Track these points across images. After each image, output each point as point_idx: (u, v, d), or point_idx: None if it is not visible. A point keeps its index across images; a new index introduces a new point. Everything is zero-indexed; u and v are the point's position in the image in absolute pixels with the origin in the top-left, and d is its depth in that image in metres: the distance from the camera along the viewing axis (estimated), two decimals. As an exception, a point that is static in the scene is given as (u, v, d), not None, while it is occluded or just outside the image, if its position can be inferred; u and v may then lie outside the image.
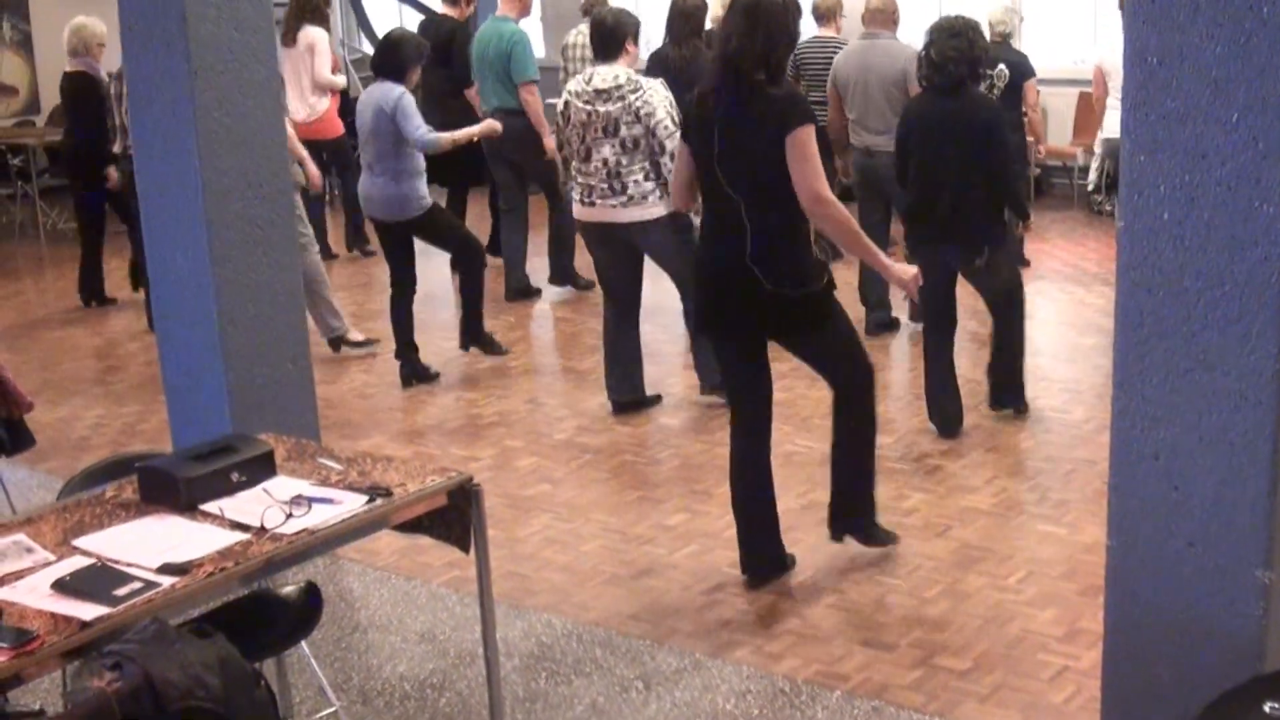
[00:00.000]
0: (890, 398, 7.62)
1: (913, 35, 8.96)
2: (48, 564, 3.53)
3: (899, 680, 4.77)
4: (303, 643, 4.38)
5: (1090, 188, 11.91)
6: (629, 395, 7.64)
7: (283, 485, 3.96)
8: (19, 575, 3.46)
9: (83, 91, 10.39)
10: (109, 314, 10.40)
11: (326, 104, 11.01)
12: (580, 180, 7.25)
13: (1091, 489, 6.22)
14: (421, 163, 8.07)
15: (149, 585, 3.38)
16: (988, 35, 7.43)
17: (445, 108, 10.17)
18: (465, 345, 8.72)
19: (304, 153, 8.70)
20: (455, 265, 8.60)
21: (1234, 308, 3.45)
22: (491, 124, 8.99)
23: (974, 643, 4.99)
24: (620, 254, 7.40)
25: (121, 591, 3.34)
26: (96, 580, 3.41)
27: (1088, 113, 11.85)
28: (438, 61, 9.96)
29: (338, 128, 11.10)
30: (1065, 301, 9.27)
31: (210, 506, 3.83)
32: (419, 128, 7.90)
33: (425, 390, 8.16)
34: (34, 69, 15.63)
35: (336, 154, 11.29)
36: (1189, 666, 3.72)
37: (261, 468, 4.03)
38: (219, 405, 5.77)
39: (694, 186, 5.41)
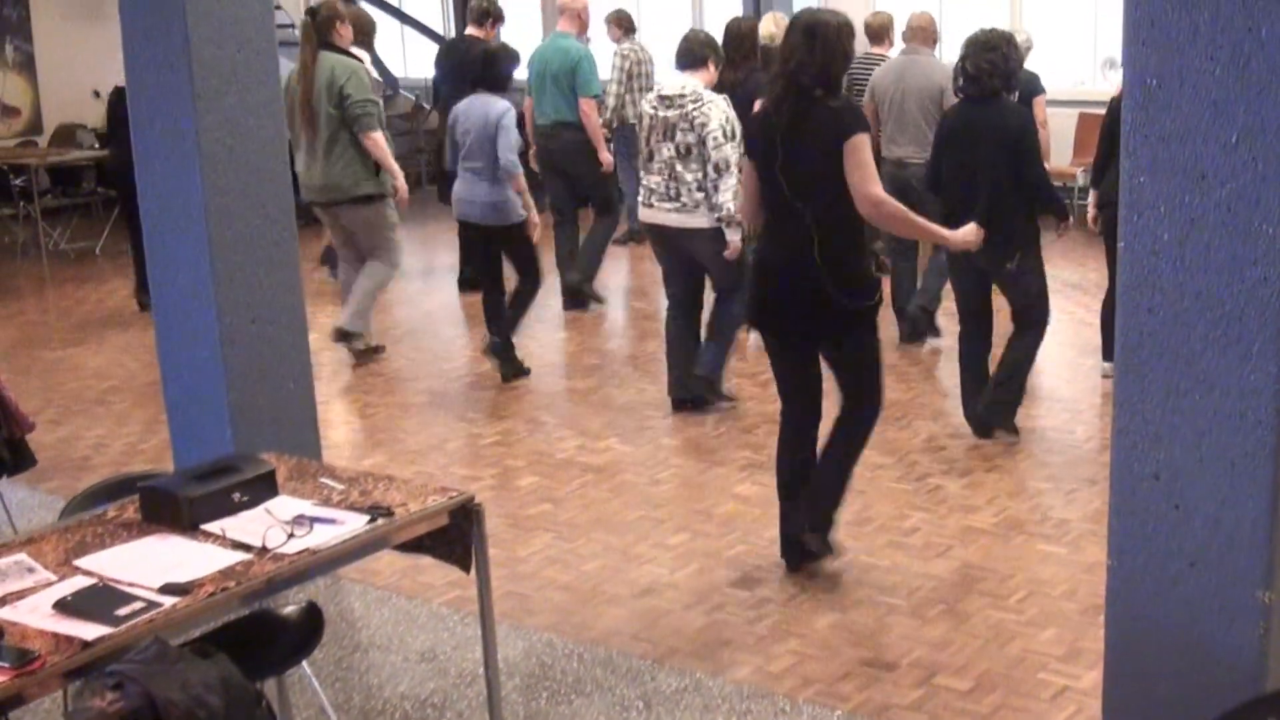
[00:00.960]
0: (890, 419, 7.62)
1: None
2: (49, 584, 3.54)
3: (900, 700, 4.77)
4: (304, 662, 4.38)
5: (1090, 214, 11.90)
6: (686, 393, 7.88)
7: (284, 505, 3.97)
8: (20, 595, 3.47)
9: None
10: (111, 333, 10.40)
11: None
12: (644, 182, 7.61)
13: (1092, 508, 6.23)
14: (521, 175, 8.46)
15: (150, 605, 3.39)
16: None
17: None
18: (499, 362, 8.71)
19: (395, 166, 8.90)
20: (520, 278, 8.83)
21: (1234, 328, 3.46)
22: None
23: (975, 662, 4.99)
24: (676, 256, 7.72)
25: (123, 611, 3.34)
26: (98, 600, 3.41)
27: (1088, 133, 11.87)
28: (475, 82, 9.93)
29: None
30: (1065, 321, 9.27)
31: (212, 526, 3.84)
32: (511, 150, 8.29)
33: (427, 410, 8.17)
34: (36, 90, 15.67)
35: None
36: (1190, 686, 3.72)
37: (263, 487, 4.04)
38: (221, 425, 5.77)
39: (755, 203, 5.66)
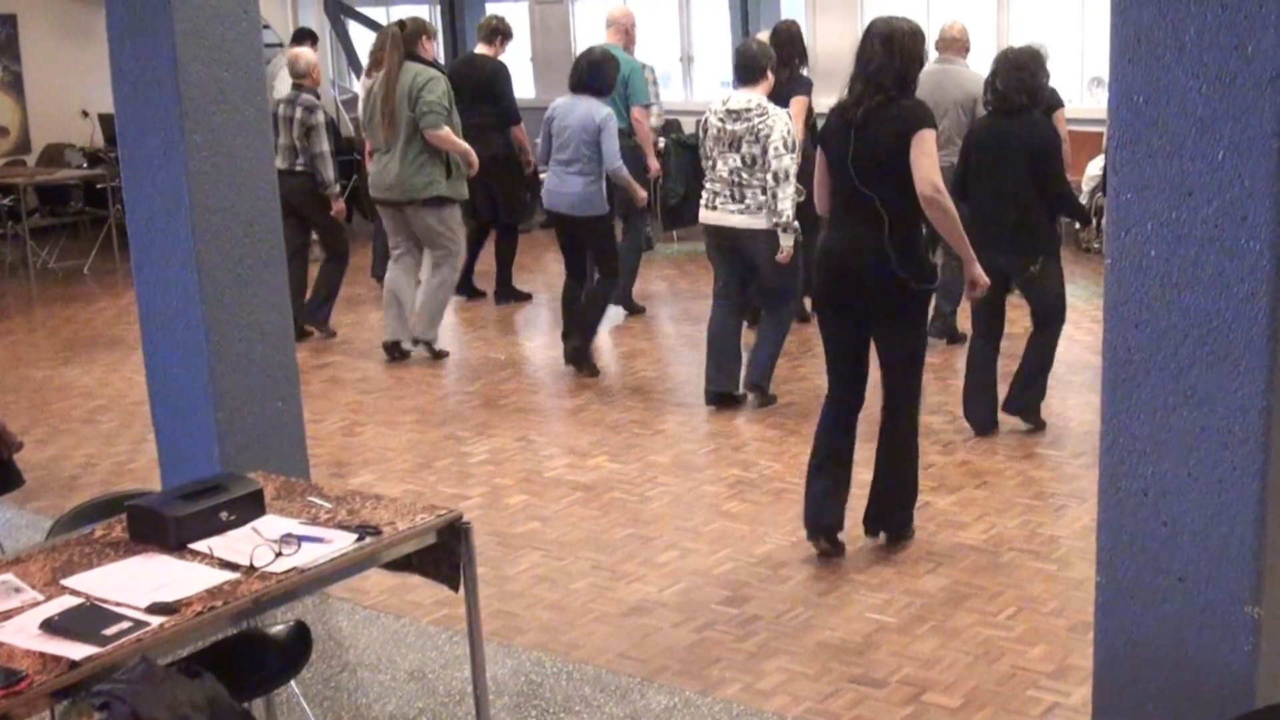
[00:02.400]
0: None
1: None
2: (36, 604, 3.53)
3: (889, 718, 4.76)
4: (292, 682, 4.38)
5: (1077, 225, 11.95)
6: (725, 387, 8.29)
7: (272, 524, 3.96)
8: (7, 615, 3.46)
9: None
10: (99, 353, 10.38)
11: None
12: (707, 186, 8.07)
13: (1081, 525, 6.23)
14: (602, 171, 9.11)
15: (138, 625, 3.38)
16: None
17: (488, 142, 10.50)
18: (572, 360, 9.27)
19: (465, 146, 9.56)
20: (600, 273, 9.42)
21: (1221, 344, 3.46)
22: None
23: (964, 680, 4.99)
24: (731, 257, 8.17)
25: (110, 631, 3.33)
26: (85, 620, 3.40)
27: (1076, 150, 11.90)
28: (481, 98, 10.64)
29: None
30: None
31: (199, 545, 3.83)
32: (617, 153, 9.03)
33: (415, 428, 8.16)
34: (24, 109, 15.66)
35: None
36: (1179, 703, 3.72)
37: (251, 506, 4.03)
38: (208, 444, 5.77)
39: (827, 195, 6.08)
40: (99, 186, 13.92)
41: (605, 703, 4.95)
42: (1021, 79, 7.32)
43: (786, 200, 7.71)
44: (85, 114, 15.20)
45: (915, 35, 5.84)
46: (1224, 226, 3.40)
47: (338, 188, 10.52)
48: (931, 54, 9.81)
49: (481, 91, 10.65)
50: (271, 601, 3.68)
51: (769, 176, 7.72)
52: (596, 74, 9.08)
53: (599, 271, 9.34)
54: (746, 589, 5.79)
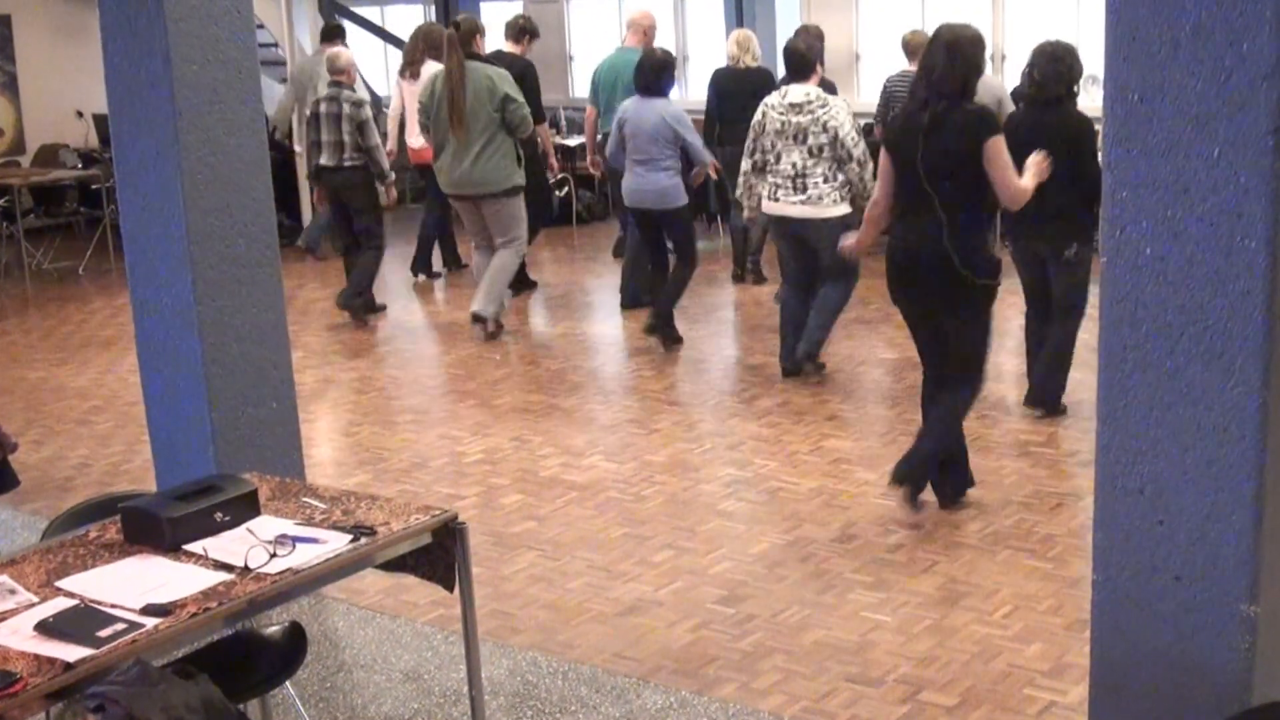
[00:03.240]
0: (875, 434, 7.63)
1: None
2: (31, 605, 3.52)
3: (885, 716, 4.76)
4: (287, 683, 4.37)
5: None
6: (794, 365, 8.67)
7: (267, 525, 3.96)
8: (2, 617, 3.45)
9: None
10: (94, 354, 10.38)
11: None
12: (770, 180, 8.44)
13: (1076, 523, 6.23)
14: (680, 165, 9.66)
15: (132, 626, 3.37)
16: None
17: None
18: (653, 331, 9.74)
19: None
20: (678, 258, 9.87)
21: (1217, 342, 3.46)
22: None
23: (960, 678, 4.99)
24: (796, 244, 8.57)
25: (105, 633, 3.33)
26: (80, 621, 3.40)
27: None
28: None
29: None
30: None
31: (194, 546, 3.83)
32: (702, 147, 9.77)
33: (410, 428, 8.15)
34: (19, 110, 15.65)
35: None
36: (1176, 701, 3.71)
37: (245, 507, 4.03)
38: (203, 445, 5.76)
39: (890, 197, 6.39)
40: (94, 187, 13.91)
41: (601, 703, 4.95)
42: (1059, 70, 7.54)
43: (872, 180, 8.01)
44: (80, 114, 15.19)
45: (977, 44, 6.18)
46: (1220, 224, 3.39)
47: (393, 176, 10.98)
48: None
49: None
50: (266, 602, 3.67)
51: (853, 165, 8.21)
52: (660, 75, 9.60)
53: (679, 258, 9.77)
54: (742, 588, 5.79)
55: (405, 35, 16.65)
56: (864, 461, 7.21)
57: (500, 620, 5.61)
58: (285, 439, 6.01)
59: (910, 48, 11.51)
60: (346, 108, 10.56)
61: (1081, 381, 8.17)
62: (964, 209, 6.12)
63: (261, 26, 13.94)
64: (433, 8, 17.18)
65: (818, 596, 5.69)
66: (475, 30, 10.14)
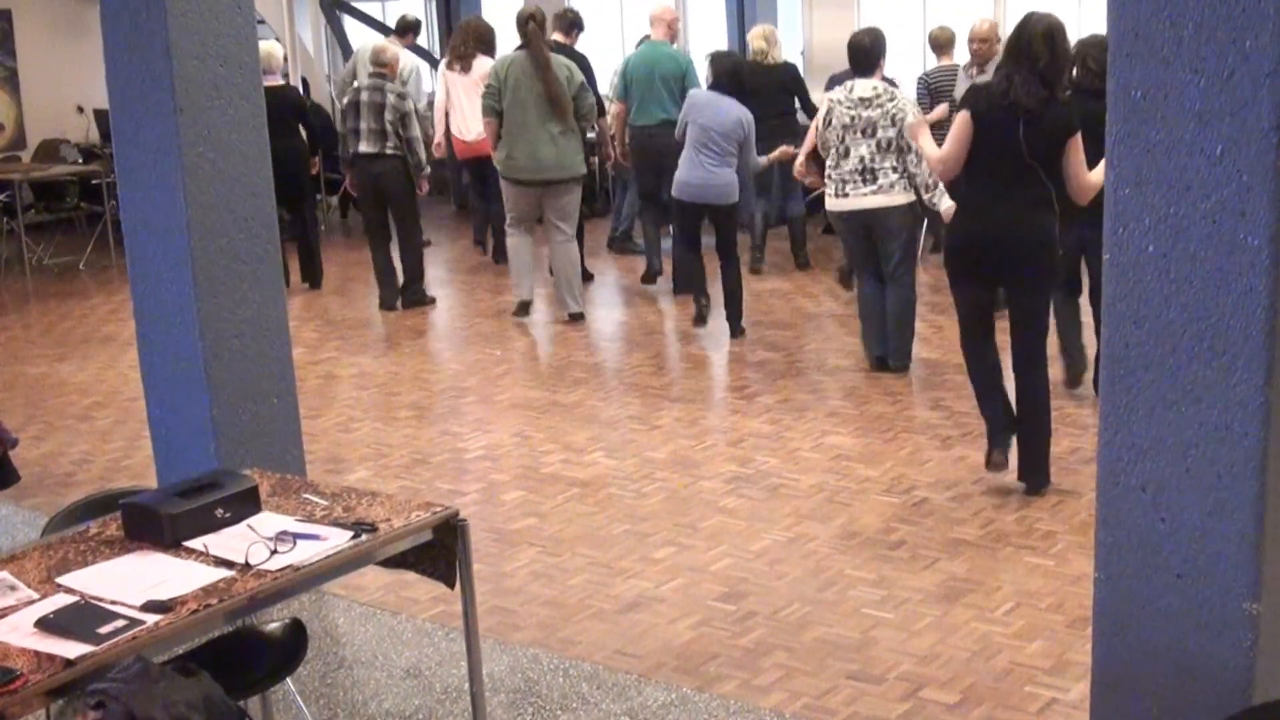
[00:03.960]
0: (877, 433, 7.63)
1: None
2: (31, 602, 3.51)
3: (886, 713, 4.76)
4: (288, 680, 4.37)
5: None
6: (885, 352, 8.85)
7: (267, 521, 3.95)
8: (2, 613, 3.45)
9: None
10: (94, 349, 10.38)
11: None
12: (835, 175, 8.62)
13: (1078, 520, 6.23)
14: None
15: (133, 623, 3.36)
16: None
17: None
18: (735, 332, 9.91)
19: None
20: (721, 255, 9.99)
21: (1220, 340, 3.45)
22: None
23: (961, 675, 4.98)
24: (864, 237, 8.74)
25: (105, 629, 3.32)
26: (80, 618, 3.39)
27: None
28: None
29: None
30: (1051, 333, 9.27)
31: (194, 543, 3.82)
32: (754, 149, 9.92)
33: (411, 424, 8.15)
34: (20, 105, 15.65)
35: (490, 170, 12.01)
36: (1177, 699, 3.71)
37: (246, 503, 4.02)
38: (204, 441, 5.76)
39: (963, 162, 6.53)
40: (94, 182, 13.91)
41: (602, 700, 4.94)
42: (1103, 60, 7.53)
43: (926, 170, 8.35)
44: (80, 110, 15.20)
45: (1065, 32, 6.41)
46: (1222, 222, 3.39)
47: (429, 169, 11.27)
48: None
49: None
50: (267, 599, 3.67)
51: (912, 156, 8.38)
52: (737, 77, 9.85)
53: (721, 255, 9.88)
54: (744, 585, 5.78)
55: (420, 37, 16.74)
56: (865, 458, 7.20)
57: (501, 617, 5.61)
58: (286, 435, 6.01)
59: (938, 43, 11.68)
60: (391, 98, 10.82)
61: (1084, 379, 8.17)
62: (1041, 193, 6.38)
63: (262, 22, 13.94)
64: (433, 3, 17.16)
65: (819, 593, 5.68)
66: (544, 20, 10.46)
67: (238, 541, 3.79)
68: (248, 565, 3.67)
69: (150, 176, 5.66)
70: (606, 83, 12.52)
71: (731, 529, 6.38)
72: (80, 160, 14.66)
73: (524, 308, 10.69)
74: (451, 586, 4.07)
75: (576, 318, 10.50)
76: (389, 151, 10.85)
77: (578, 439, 7.75)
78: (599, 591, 5.81)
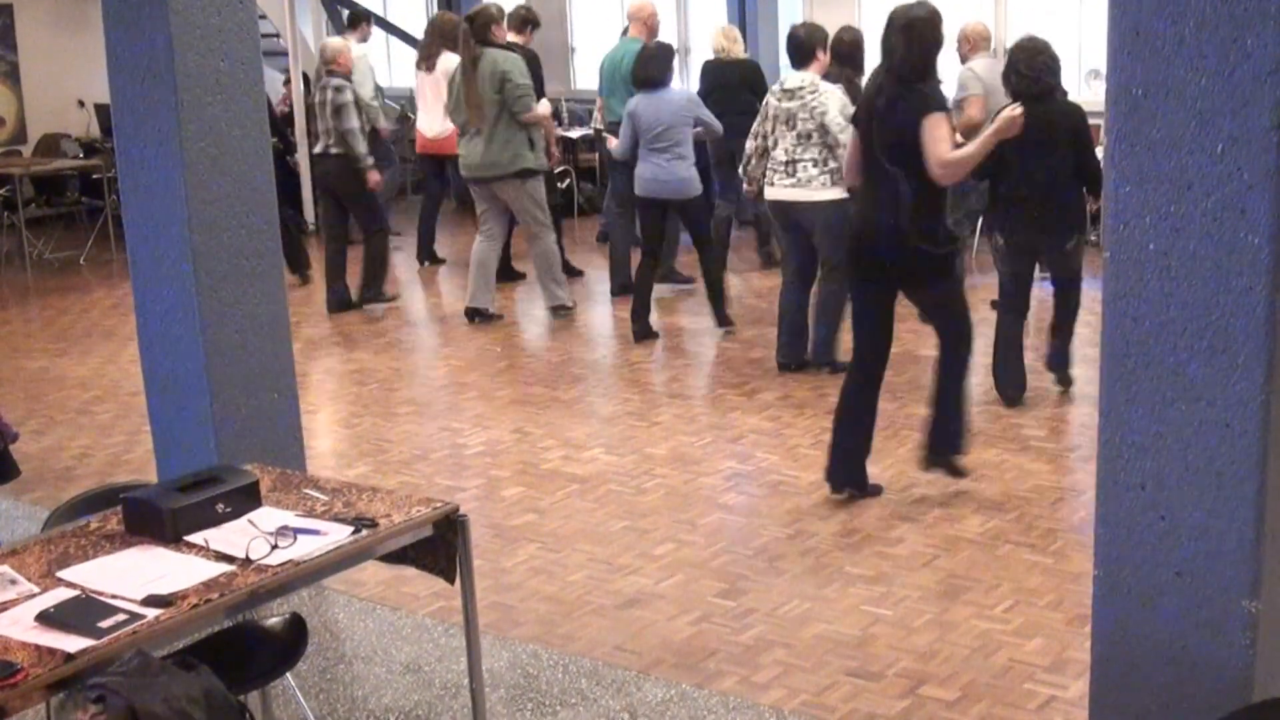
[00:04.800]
0: (876, 427, 7.61)
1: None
2: (32, 596, 3.52)
3: (886, 710, 4.76)
4: (288, 674, 4.37)
5: None
6: (791, 358, 8.78)
7: (268, 516, 3.96)
8: (3, 607, 3.45)
9: None
10: (95, 343, 10.38)
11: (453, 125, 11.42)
12: (769, 165, 8.57)
13: (1078, 518, 6.23)
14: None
15: (133, 617, 3.37)
16: None
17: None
18: (721, 322, 9.90)
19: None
20: (699, 250, 10.00)
21: (1220, 338, 3.45)
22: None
23: (961, 672, 4.99)
24: (793, 231, 8.68)
25: (106, 624, 3.33)
26: (81, 612, 3.40)
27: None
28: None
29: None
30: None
31: (195, 538, 3.83)
32: (715, 121, 9.88)
33: (411, 420, 8.15)
34: (20, 99, 15.64)
35: (447, 167, 12.13)
36: (1177, 697, 3.71)
37: (247, 498, 4.03)
38: (204, 436, 5.76)
39: (854, 167, 6.54)
40: (95, 177, 13.92)
41: (602, 695, 4.95)
42: (1045, 63, 7.59)
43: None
44: (81, 104, 15.20)
45: (932, 22, 6.20)
46: (1223, 220, 3.39)
47: (370, 160, 10.95)
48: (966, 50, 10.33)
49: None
50: (267, 594, 3.67)
51: (840, 149, 8.13)
52: (662, 67, 9.74)
53: (698, 248, 9.92)
54: (743, 581, 5.79)
55: (407, 26, 16.73)
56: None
57: (501, 613, 5.61)
58: (286, 430, 6.01)
59: (971, 39, 11.30)
60: (329, 94, 10.76)
61: (1081, 375, 8.17)
62: (918, 187, 6.19)
63: (264, 17, 13.91)
64: (434, 1, 17.15)
65: (818, 590, 5.69)
66: (491, 20, 10.31)
67: (238, 536, 3.80)
68: (248, 560, 3.67)
69: (151, 171, 5.66)
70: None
71: (731, 525, 6.38)
72: (81, 155, 14.67)
73: (471, 314, 10.51)
74: (451, 582, 4.07)
75: (559, 310, 10.46)
76: (331, 150, 10.80)
77: (577, 435, 7.75)
78: (598, 587, 5.81)
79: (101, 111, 14.09)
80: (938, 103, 6.23)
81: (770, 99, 8.56)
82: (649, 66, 9.79)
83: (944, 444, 6.70)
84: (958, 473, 6.73)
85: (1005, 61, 7.86)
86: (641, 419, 7.96)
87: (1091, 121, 8.90)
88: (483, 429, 7.94)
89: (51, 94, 15.56)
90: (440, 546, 4.04)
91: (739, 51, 11.64)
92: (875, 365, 6.60)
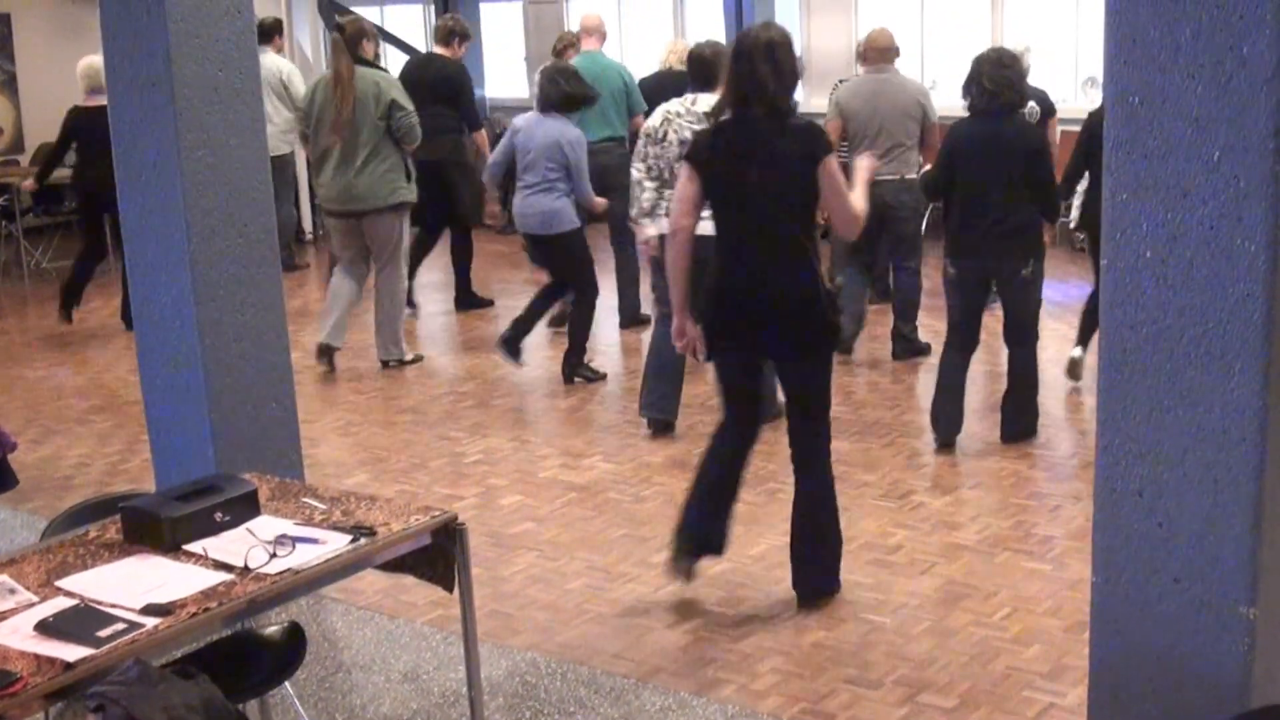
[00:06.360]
0: (874, 436, 7.63)
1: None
2: (31, 605, 3.52)
3: (884, 718, 4.76)
4: (286, 683, 4.37)
5: (1072, 225, 11.92)
6: (661, 416, 7.93)
7: (266, 525, 3.96)
8: (2, 617, 3.45)
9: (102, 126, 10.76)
10: (93, 353, 10.38)
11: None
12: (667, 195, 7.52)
13: (1076, 525, 6.23)
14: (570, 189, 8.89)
15: (132, 626, 3.37)
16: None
17: (438, 145, 10.37)
18: (569, 377, 9.03)
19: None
20: (574, 295, 9.21)
21: (1217, 345, 3.46)
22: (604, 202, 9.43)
23: (959, 680, 4.99)
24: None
25: (105, 633, 3.33)
26: (80, 621, 3.40)
27: (1070, 151, 11.88)
28: (436, 100, 10.46)
29: None
30: (1048, 337, 9.27)
31: (194, 546, 3.83)
32: (585, 178, 8.87)
33: (410, 429, 8.16)
34: (19, 109, 15.63)
35: None
36: (1175, 704, 3.72)
37: (245, 507, 4.03)
38: (203, 444, 5.76)
39: (699, 206, 5.55)
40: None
41: (600, 704, 4.95)
42: (1008, 76, 7.15)
43: None
44: (79, 113, 15.16)
45: (790, 44, 5.42)
46: (1219, 228, 3.40)
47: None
48: (857, 65, 9.72)
49: (437, 93, 10.51)
50: (266, 603, 3.67)
51: None
52: (563, 91, 8.84)
53: (575, 291, 9.11)
54: (741, 589, 5.79)
55: (405, 35, 16.74)
56: (861, 463, 7.21)
57: (499, 621, 5.61)
58: (285, 439, 6.01)
59: (867, 52, 10.06)
60: None
61: (1081, 385, 8.18)
62: (808, 238, 5.39)
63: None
64: (431, 7, 17.17)
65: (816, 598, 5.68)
66: (362, 34, 9.27)
67: (237, 545, 3.80)
68: (247, 569, 3.68)
69: (149, 181, 5.66)
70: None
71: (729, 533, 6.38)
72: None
73: (322, 351, 9.49)
74: (450, 590, 4.07)
75: (391, 364, 9.53)
76: None
77: (575, 444, 7.75)
78: (597, 596, 5.82)
79: (99, 120, 14.07)
80: (829, 143, 5.46)
81: (676, 120, 7.54)
82: (551, 90, 8.88)
83: (823, 582, 5.70)
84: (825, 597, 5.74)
85: (969, 71, 7.30)
86: (639, 427, 7.96)
87: (1068, 129, 8.85)
88: (480, 437, 7.94)
89: (49, 103, 15.46)
90: (439, 555, 4.04)
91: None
92: (750, 437, 5.80)
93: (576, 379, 9.01)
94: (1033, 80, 9.92)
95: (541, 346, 10.01)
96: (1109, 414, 3.68)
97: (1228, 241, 3.39)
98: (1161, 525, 3.64)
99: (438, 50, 10.99)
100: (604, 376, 9.10)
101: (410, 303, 10.91)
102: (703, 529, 5.73)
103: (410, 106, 9.09)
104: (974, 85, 7.23)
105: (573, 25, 16.20)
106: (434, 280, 12.41)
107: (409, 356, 9.61)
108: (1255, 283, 3.38)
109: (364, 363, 9.69)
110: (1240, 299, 3.40)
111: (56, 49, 15.52)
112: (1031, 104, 9.18)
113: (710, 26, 15.25)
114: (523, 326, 9.08)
